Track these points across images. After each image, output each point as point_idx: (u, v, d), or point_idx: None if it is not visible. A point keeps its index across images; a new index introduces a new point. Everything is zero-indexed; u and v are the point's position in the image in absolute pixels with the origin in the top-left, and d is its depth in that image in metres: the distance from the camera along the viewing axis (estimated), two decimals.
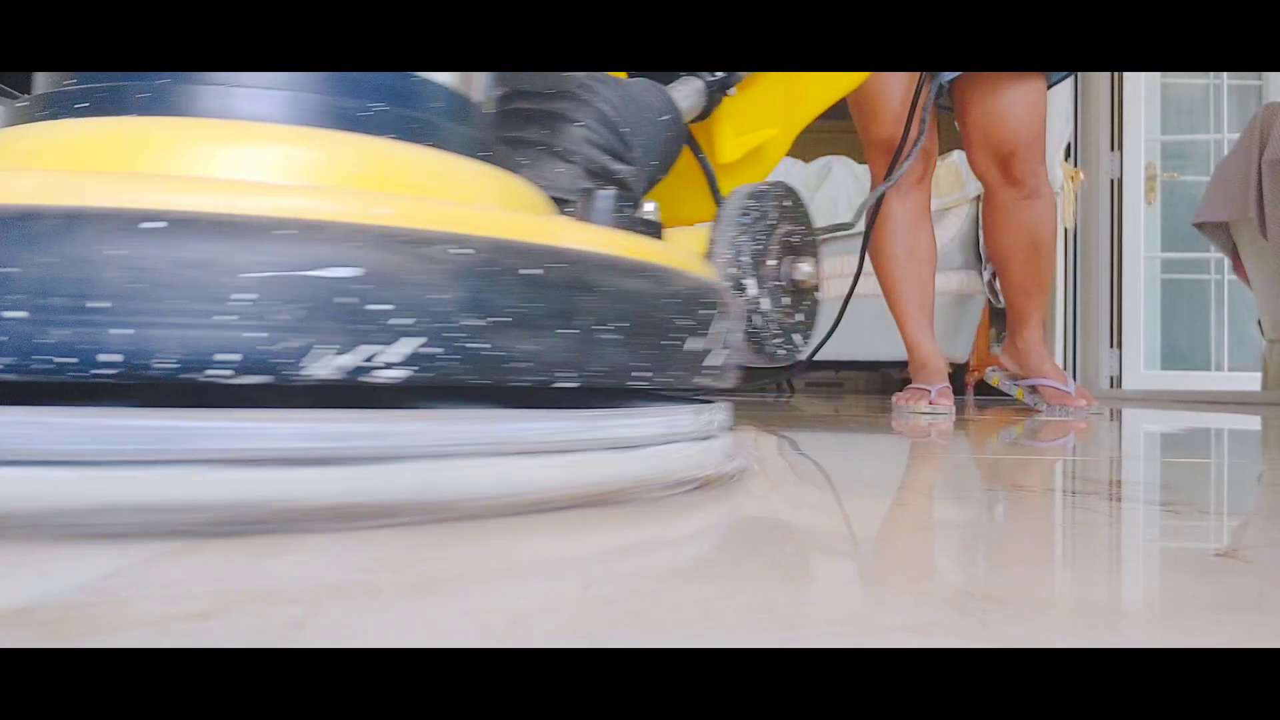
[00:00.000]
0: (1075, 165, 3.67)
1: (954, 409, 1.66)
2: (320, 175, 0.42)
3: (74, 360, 0.32)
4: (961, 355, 3.25)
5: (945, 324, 3.12)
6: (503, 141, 0.61)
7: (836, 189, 3.24)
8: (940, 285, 2.15)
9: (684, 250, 0.54)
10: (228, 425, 0.34)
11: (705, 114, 0.84)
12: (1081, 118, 3.81)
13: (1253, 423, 1.55)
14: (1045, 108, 1.64)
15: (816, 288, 0.75)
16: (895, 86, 1.60)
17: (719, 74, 0.82)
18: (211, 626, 0.22)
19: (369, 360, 0.35)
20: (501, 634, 0.23)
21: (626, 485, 0.44)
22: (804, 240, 0.74)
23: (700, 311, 0.48)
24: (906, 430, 1.19)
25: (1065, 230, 3.45)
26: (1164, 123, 4.05)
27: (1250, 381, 3.40)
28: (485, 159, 0.49)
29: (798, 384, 4.24)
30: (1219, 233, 3.07)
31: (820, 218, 3.20)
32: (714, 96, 0.83)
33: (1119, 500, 0.50)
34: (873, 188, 1.75)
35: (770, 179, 0.82)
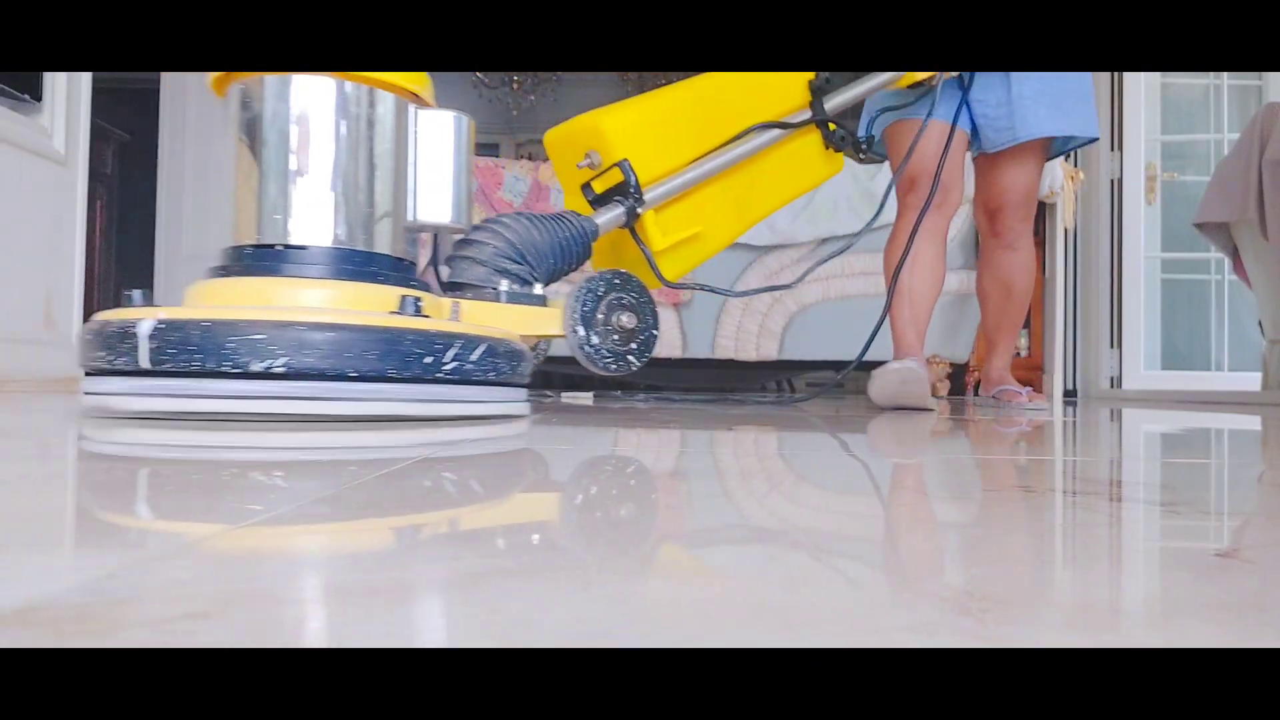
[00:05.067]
0: (1075, 165, 3.66)
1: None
2: (331, 303, 0.99)
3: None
4: (962, 355, 3.25)
5: (946, 324, 3.12)
6: (455, 259, 1.21)
7: (836, 189, 3.24)
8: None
9: (439, 314, 1.08)
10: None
11: (628, 224, 1.36)
12: None
13: (1253, 423, 1.55)
14: (1037, 178, 1.95)
15: (636, 330, 1.23)
16: (931, 134, 1.80)
17: (632, 204, 1.35)
18: (211, 626, 0.22)
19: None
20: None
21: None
22: (632, 301, 1.23)
23: (436, 345, 0.96)
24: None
25: (1065, 230, 3.45)
26: (1164, 123, 4.05)
27: (1250, 382, 3.40)
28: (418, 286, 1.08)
29: (799, 385, 4.23)
30: (1219, 233, 3.07)
31: (820, 218, 3.21)
32: (631, 214, 1.35)
33: (1119, 500, 0.50)
34: (892, 203, 1.85)
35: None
